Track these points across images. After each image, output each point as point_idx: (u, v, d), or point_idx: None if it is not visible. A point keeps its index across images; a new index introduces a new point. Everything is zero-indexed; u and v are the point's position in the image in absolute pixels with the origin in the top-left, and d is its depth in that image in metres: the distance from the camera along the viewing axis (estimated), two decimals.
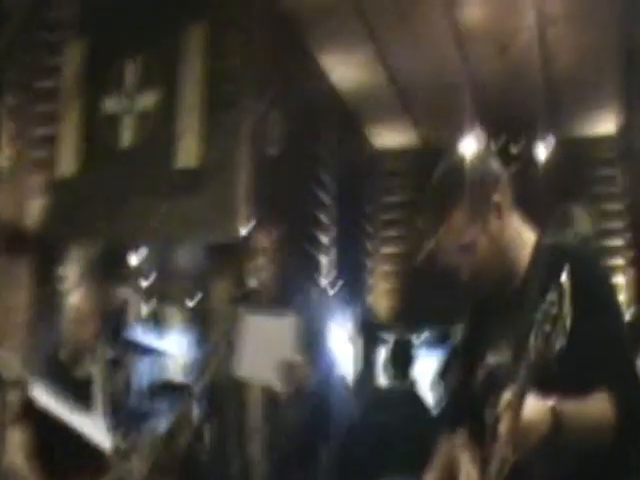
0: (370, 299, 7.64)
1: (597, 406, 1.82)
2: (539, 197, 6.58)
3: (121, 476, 3.62)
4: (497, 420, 1.85)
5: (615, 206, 7.10)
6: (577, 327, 1.67)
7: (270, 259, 3.23)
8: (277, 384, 3.13)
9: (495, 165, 2.03)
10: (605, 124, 7.35)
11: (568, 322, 1.66)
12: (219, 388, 3.40)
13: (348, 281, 6.92)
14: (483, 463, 2.01)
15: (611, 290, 1.99)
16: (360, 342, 7.04)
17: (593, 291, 1.86)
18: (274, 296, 3.24)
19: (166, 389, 6.65)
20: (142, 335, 7.32)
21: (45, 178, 5.89)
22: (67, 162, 5.82)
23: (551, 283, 1.69)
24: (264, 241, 3.27)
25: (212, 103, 5.54)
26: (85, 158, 5.78)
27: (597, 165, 7.41)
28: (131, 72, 5.80)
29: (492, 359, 2.03)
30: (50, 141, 5.92)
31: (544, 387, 1.75)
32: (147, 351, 7.43)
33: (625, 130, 6.83)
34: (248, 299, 3.23)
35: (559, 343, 1.67)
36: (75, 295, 3.94)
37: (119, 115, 5.79)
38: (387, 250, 7.83)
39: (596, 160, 7.43)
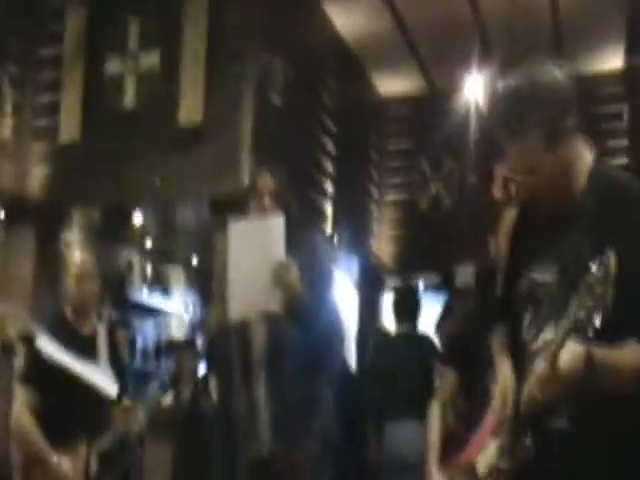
0: (374, 246, 7.65)
1: (629, 354, 1.87)
2: None
3: (125, 430, 3.75)
4: (533, 352, 1.93)
5: (620, 142, 7.05)
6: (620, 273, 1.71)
7: (274, 201, 3.21)
8: (270, 301, 3.10)
9: (568, 88, 2.01)
10: (611, 60, 7.27)
11: (610, 297, 1.70)
12: (221, 336, 3.41)
13: (352, 228, 6.95)
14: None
15: None
16: (365, 288, 7.07)
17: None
18: None
19: (171, 348, 6.74)
20: (146, 296, 7.37)
21: (49, 145, 5.93)
22: (71, 128, 5.86)
23: (606, 216, 1.83)
24: (268, 183, 3.24)
25: (215, 57, 5.53)
26: (89, 121, 5.81)
27: (603, 102, 7.34)
28: (133, 33, 5.81)
29: (536, 275, 2.07)
30: (53, 108, 5.95)
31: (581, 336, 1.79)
32: (151, 311, 7.52)
33: (630, 65, 6.76)
34: None
35: (600, 317, 1.72)
36: (77, 254, 3.99)
37: (122, 76, 5.81)
38: (392, 197, 7.82)
39: (602, 97, 7.36)
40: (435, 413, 3.39)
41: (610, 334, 1.85)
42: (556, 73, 2.02)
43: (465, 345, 3.34)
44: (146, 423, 3.98)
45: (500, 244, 2.52)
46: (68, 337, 3.71)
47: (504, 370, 2.19)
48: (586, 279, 1.74)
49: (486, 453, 2.79)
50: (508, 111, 2.01)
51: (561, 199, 2.03)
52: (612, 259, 1.71)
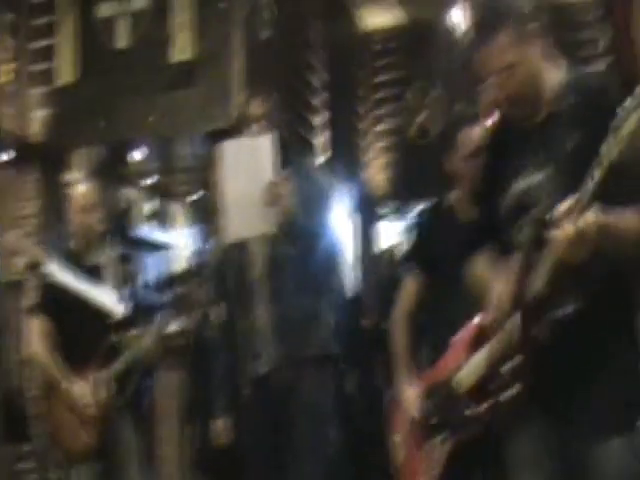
0: (367, 174, 7.81)
1: (633, 218, 2.01)
2: None
3: (135, 355, 3.92)
4: (544, 237, 2.03)
5: (597, 67, 7.19)
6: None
7: (265, 124, 3.33)
8: (265, 221, 3.16)
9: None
10: None
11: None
12: (221, 258, 3.57)
13: (344, 158, 7.08)
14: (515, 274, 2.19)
15: None
16: (359, 215, 7.22)
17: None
18: None
19: (174, 280, 6.91)
20: (148, 232, 7.56)
21: (46, 88, 6.11)
22: (66, 70, 6.04)
23: (582, 115, 1.94)
24: (258, 108, 3.37)
25: None
26: (84, 63, 6.00)
27: (578, 29, 7.47)
28: None
29: (522, 183, 2.22)
30: (49, 53, 6.12)
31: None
32: (154, 247, 7.69)
33: None
34: None
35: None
36: (79, 187, 4.13)
37: (114, 18, 5.97)
38: (380, 127, 7.96)
39: (577, 24, 7.48)
40: (398, 324, 3.42)
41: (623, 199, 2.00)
42: None
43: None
44: (155, 349, 4.10)
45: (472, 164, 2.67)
46: (73, 266, 3.91)
47: (499, 283, 2.28)
48: (607, 143, 1.82)
49: (464, 369, 2.96)
50: (481, 19, 2.23)
51: (536, 103, 2.19)
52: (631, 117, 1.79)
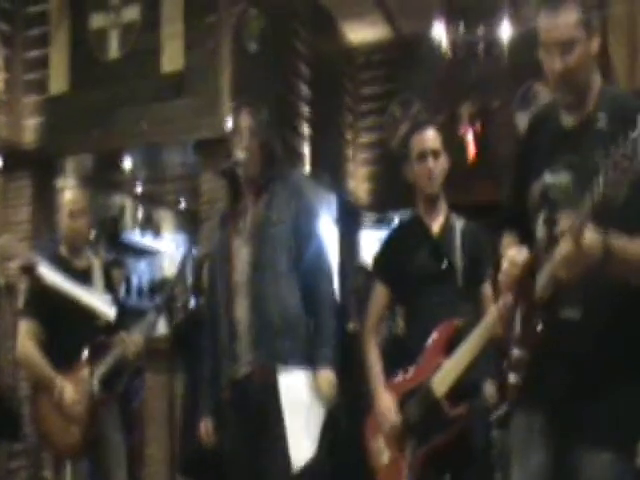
0: (351, 184, 7.94)
1: None
2: (504, 76, 6.91)
3: (123, 356, 3.94)
4: (554, 239, 2.09)
5: None
6: None
7: (253, 134, 3.31)
8: None
9: None
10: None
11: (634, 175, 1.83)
12: (208, 262, 3.60)
13: (330, 169, 7.21)
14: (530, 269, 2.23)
15: None
16: (343, 225, 7.32)
17: None
18: (259, 168, 3.32)
19: (163, 286, 7.00)
20: (139, 238, 7.68)
21: (39, 97, 6.24)
22: (59, 80, 6.20)
23: (616, 130, 1.92)
24: (246, 119, 3.36)
25: (193, 8, 5.86)
26: (76, 73, 6.15)
27: None
28: None
29: (549, 178, 2.27)
30: (42, 62, 6.27)
31: (600, 223, 1.96)
32: (144, 252, 7.80)
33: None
34: (233, 171, 3.30)
35: (623, 191, 1.86)
36: (68, 193, 4.21)
37: (106, 30, 6.13)
38: (365, 138, 8.11)
39: None
40: (369, 333, 3.43)
41: (625, 226, 2.03)
42: None
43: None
44: (141, 352, 4.11)
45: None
46: (63, 271, 3.91)
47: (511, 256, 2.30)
48: (611, 156, 1.85)
49: (439, 373, 3.09)
50: None
51: (583, 95, 2.25)
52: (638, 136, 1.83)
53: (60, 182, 6.26)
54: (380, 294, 3.45)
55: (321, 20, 7.44)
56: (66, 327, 3.88)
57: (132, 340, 3.95)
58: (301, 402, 3.16)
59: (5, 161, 6.06)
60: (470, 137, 7.23)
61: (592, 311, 2.18)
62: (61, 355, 3.88)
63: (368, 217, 7.68)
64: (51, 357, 3.88)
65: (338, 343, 3.26)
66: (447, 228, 3.36)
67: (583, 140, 2.22)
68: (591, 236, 1.98)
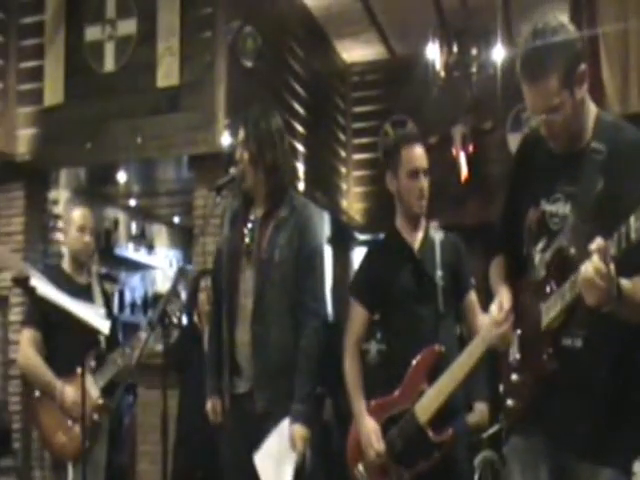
0: (344, 203, 7.96)
1: None
2: (496, 97, 6.96)
3: (115, 373, 3.96)
4: (561, 266, 2.10)
5: None
6: None
7: (242, 146, 3.25)
8: None
9: (579, 37, 2.22)
10: None
11: None
12: (214, 279, 3.52)
13: (323, 187, 7.22)
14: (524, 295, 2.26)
15: None
16: (336, 244, 7.36)
17: None
18: (257, 179, 3.25)
19: (156, 301, 6.97)
20: (132, 252, 7.66)
21: (34, 108, 6.20)
22: (54, 91, 6.13)
23: (609, 163, 1.95)
24: (240, 132, 3.30)
25: (189, 25, 5.84)
26: (71, 85, 6.10)
27: None
28: (110, 1, 6.10)
29: (548, 207, 2.26)
30: (37, 73, 6.22)
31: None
32: (138, 267, 7.78)
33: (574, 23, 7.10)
34: (229, 186, 3.27)
35: None
36: (78, 209, 4.24)
37: (101, 43, 6.10)
38: (358, 156, 8.15)
39: None
40: (348, 354, 3.37)
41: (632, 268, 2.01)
42: (567, 24, 2.23)
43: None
44: (135, 367, 4.16)
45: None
46: (66, 286, 3.90)
47: (503, 294, 2.34)
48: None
49: (424, 398, 3.09)
50: (531, 56, 2.19)
51: (574, 138, 2.23)
52: None
53: (53, 194, 6.24)
54: (359, 314, 3.39)
55: (316, 39, 7.51)
56: (65, 336, 3.90)
57: (126, 357, 3.98)
58: (277, 445, 3.18)
59: None
60: (462, 158, 7.28)
61: (593, 339, 2.17)
62: (61, 363, 3.91)
63: (361, 236, 7.70)
64: (51, 365, 3.93)
65: (331, 366, 3.30)
66: (427, 243, 3.32)
67: (581, 171, 2.20)
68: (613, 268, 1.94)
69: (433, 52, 7.01)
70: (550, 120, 2.21)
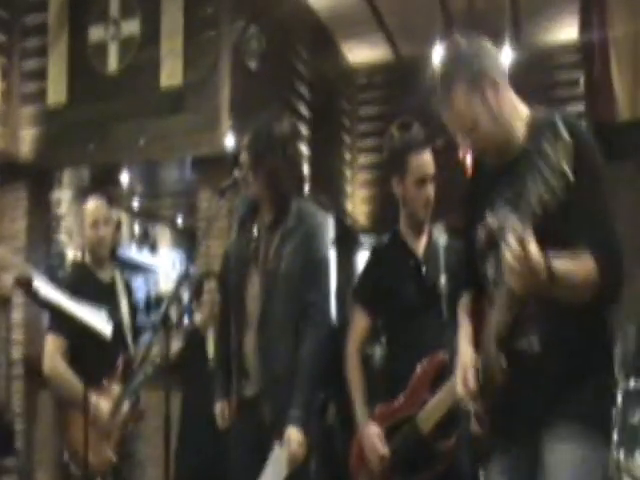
0: (349, 206, 7.92)
1: (584, 266, 2.02)
2: None
3: (146, 371, 3.86)
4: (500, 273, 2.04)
5: (576, 108, 7.40)
6: (575, 192, 1.86)
7: (244, 150, 3.18)
8: None
9: (490, 50, 2.22)
10: (567, 31, 7.62)
11: (563, 180, 1.84)
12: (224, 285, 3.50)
13: (327, 190, 7.19)
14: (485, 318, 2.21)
15: (600, 163, 2.14)
16: (341, 247, 7.29)
17: (590, 162, 2.06)
18: (261, 186, 3.18)
19: (159, 302, 6.95)
20: (135, 253, 7.64)
21: (37, 109, 6.18)
22: (57, 92, 6.12)
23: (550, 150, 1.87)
24: (245, 137, 3.23)
25: (193, 25, 5.82)
26: (74, 86, 6.09)
27: (559, 70, 7.69)
28: (114, 1, 6.09)
29: (490, 220, 2.23)
30: (40, 73, 6.21)
31: (541, 243, 1.90)
32: (141, 268, 7.76)
33: (584, 33, 7.08)
34: (233, 188, 3.21)
35: (556, 196, 1.86)
36: (91, 203, 4.14)
37: (105, 43, 6.08)
38: (363, 160, 8.11)
39: (558, 65, 7.71)
40: (350, 360, 3.35)
41: (565, 244, 2.00)
42: (479, 42, 2.22)
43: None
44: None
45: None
46: (91, 285, 3.83)
47: (465, 328, 2.35)
48: (546, 161, 1.85)
49: (427, 408, 3.05)
50: (439, 77, 2.19)
51: (505, 147, 2.20)
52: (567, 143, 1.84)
53: (56, 194, 6.22)
54: (362, 319, 3.35)
55: (321, 40, 7.47)
56: (89, 343, 3.68)
57: (152, 359, 3.89)
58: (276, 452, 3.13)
59: (1, 172, 6.00)
60: (469, 161, 7.21)
61: (548, 339, 2.15)
62: (88, 370, 3.67)
63: (366, 238, 7.66)
64: (78, 372, 3.75)
65: (334, 372, 3.28)
66: (431, 248, 3.28)
67: (518, 173, 2.13)
68: (535, 247, 1.91)
69: (440, 53, 6.96)
70: (473, 139, 2.19)
